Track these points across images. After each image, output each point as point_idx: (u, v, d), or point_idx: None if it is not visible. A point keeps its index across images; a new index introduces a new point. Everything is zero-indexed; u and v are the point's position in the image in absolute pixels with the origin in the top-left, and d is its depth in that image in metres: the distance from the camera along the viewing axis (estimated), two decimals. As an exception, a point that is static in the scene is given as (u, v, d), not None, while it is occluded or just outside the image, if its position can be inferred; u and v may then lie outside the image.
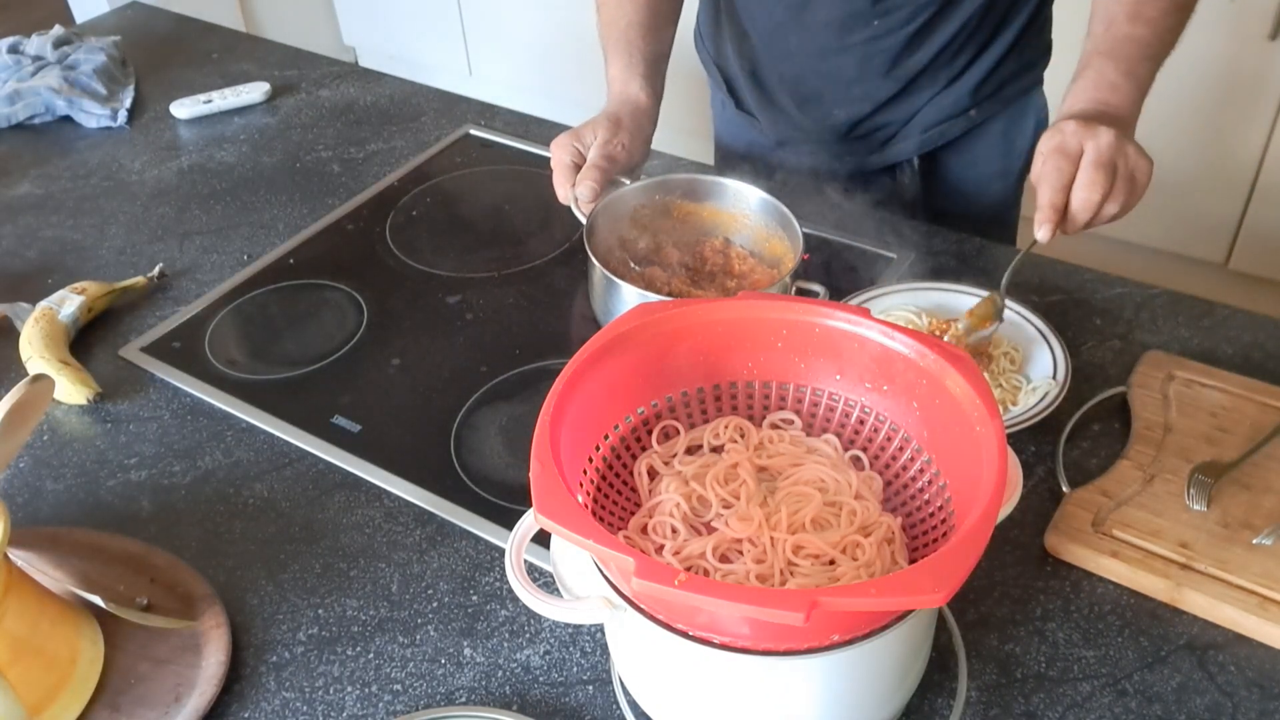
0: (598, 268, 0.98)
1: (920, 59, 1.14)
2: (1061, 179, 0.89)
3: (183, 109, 1.46)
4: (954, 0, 1.10)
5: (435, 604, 0.82)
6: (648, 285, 0.99)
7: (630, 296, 0.95)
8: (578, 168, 1.03)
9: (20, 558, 0.81)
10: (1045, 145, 0.91)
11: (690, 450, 0.76)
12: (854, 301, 1.02)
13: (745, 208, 1.07)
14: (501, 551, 0.85)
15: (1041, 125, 1.26)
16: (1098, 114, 0.93)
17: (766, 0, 1.17)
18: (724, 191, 1.07)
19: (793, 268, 0.97)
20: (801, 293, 0.99)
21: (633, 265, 1.07)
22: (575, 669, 0.77)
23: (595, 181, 1.01)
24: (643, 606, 0.62)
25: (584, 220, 1.02)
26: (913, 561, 0.69)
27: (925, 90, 1.17)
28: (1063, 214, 0.90)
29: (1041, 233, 0.90)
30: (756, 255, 1.07)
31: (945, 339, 0.94)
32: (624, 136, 1.05)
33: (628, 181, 1.06)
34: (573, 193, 1.02)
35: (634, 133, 1.07)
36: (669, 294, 1.01)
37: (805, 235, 1.00)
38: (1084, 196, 0.88)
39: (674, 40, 1.17)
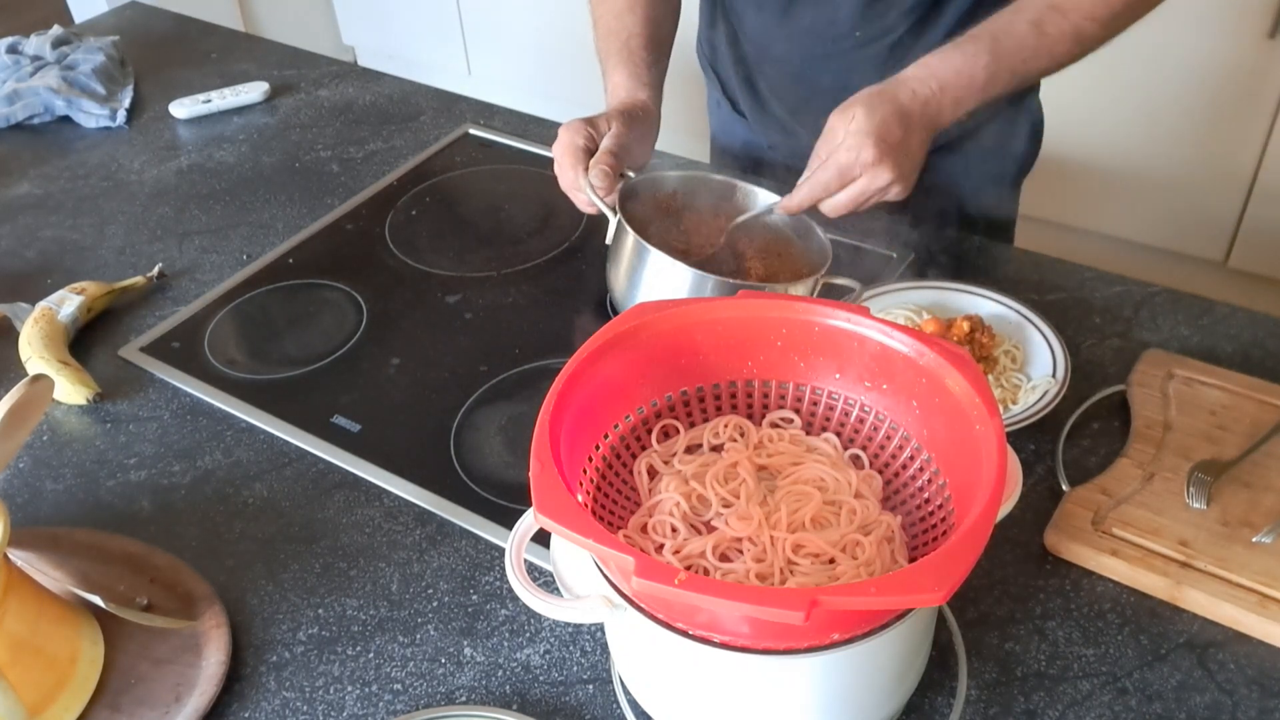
0: (630, 236, 0.94)
1: (906, 66, 1.14)
2: (826, 189, 0.94)
3: (182, 109, 1.46)
4: (937, 9, 1.09)
5: (435, 603, 0.82)
6: (681, 257, 0.97)
7: (659, 265, 0.93)
8: (589, 152, 1.00)
9: (20, 558, 0.81)
10: (843, 155, 0.93)
11: (690, 449, 0.76)
12: (854, 301, 1.02)
13: (762, 211, 1.05)
14: (501, 551, 0.85)
15: (1036, 129, 1.26)
16: (925, 104, 0.94)
17: (754, 7, 1.16)
18: (743, 192, 1.06)
19: (824, 269, 0.97)
20: (831, 289, 0.98)
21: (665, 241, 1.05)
22: (575, 668, 0.77)
23: (609, 166, 0.98)
24: (643, 605, 0.62)
25: (597, 202, 0.97)
26: (913, 560, 0.69)
27: None
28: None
29: (782, 204, 0.98)
30: (763, 255, 1.06)
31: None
32: (636, 132, 1.04)
33: (633, 175, 1.04)
34: (585, 178, 0.98)
35: (643, 131, 1.06)
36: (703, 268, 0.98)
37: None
38: (826, 205, 0.95)
39: (671, 52, 1.16)
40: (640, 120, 1.06)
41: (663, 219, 1.06)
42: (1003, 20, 0.96)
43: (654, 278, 0.95)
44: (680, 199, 1.06)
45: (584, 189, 0.98)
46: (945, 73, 0.94)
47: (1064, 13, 0.96)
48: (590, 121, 1.02)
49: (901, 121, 0.92)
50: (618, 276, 1.00)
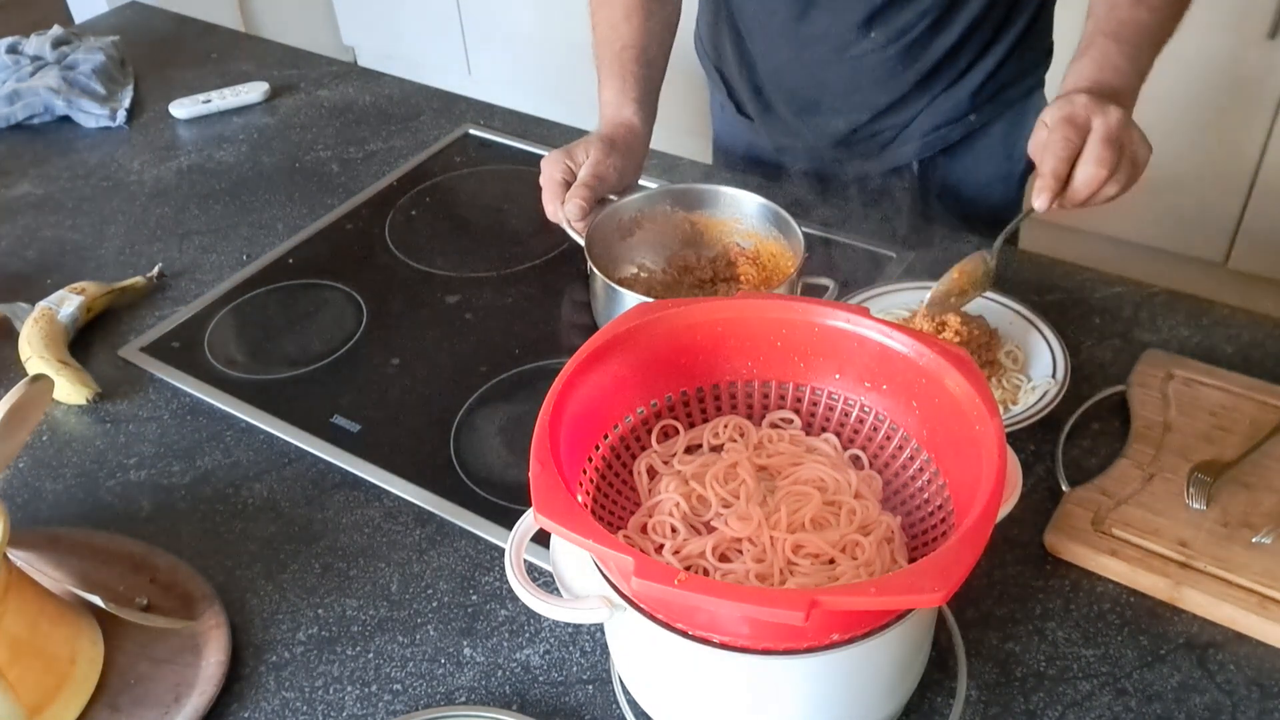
0: (599, 277, 0.98)
1: (919, 68, 1.14)
2: (1068, 149, 0.87)
3: (182, 109, 1.46)
4: (951, 10, 1.10)
5: (435, 604, 0.82)
6: (649, 293, 0.99)
7: (631, 304, 0.95)
8: (568, 185, 1.03)
9: (20, 558, 0.81)
10: (1053, 115, 0.89)
11: (690, 450, 0.76)
12: (854, 301, 1.02)
13: (741, 212, 1.06)
14: (501, 551, 0.85)
15: None
16: (1102, 93, 0.91)
17: (763, 11, 1.16)
18: (720, 198, 1.07)
19: (798, 266, 0.97)
20: (809, 288, 0.99)
21: (635, 272, 1.07)
22: (575, 668, 0.77)
23: (584, 200, 1.01)
24: (642, 606, 0.62)
25: (576, 237, 1.02)
26: (912, 561, 0.69)
27: (923, 97, 1.17)
28: (1064, 185, 0.88)
29: (1040, 201, 0.87)
30: (754, 258, 1.07)
31: (927, 305, 0.93)
32: (616, 158, 1.05)
33: (616, 199, 1.06)
34: (562, 211, 1.02)
35: (626, 155, 1.07)
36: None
37: (805, 235, 1.00)
38: (1091, 172, 0.86)
39: (668, 63, 1.17)
40: (621, 143, 1.07)
41: (633, 245, 1.08)
42: (1111, 19, 0.94)
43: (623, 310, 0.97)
44: (649, 220, 1.08)
45: (563, 223, 1.00)
46: (1090, 71, 0.93)
47: None
48: (569, 152, 1.05)
49: (1084, 92, 0.90)
50: (596, 310, 1.04)
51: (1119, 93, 0.92)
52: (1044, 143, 0.88)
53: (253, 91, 1.48)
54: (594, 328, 0.79)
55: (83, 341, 1.08)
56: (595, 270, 0.98)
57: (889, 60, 1.13)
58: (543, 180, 1.05)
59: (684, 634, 0.61)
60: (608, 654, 0.78)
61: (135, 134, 1.44)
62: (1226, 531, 0.81)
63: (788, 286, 0.97)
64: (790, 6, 1.13)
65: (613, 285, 0.97)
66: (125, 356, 1.07)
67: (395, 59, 3.12)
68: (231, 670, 0.77)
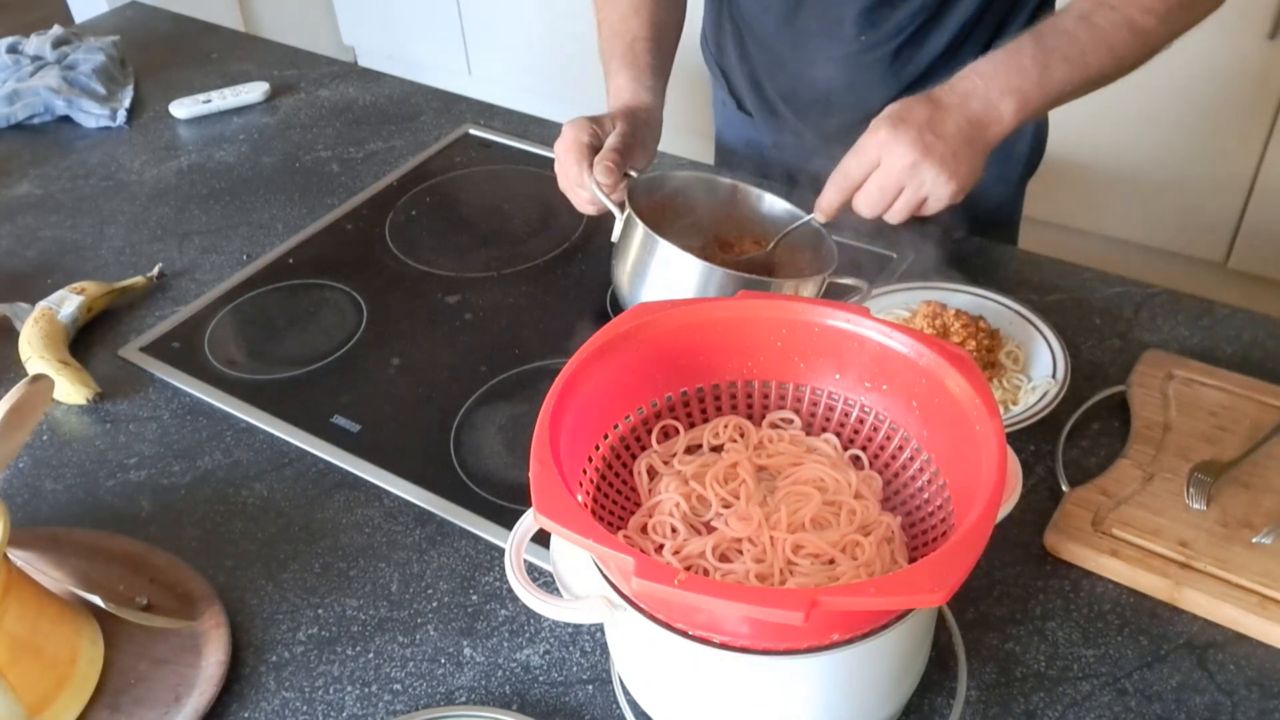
0: (640, 228, 0.94)
1: (913, 70, 1.14)
2: (846, 183, 0.92)
3: (182, 109, 1.46)
4: (941, 12, 1.09)
5: (435, 604, 0.82)
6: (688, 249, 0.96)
7: (675, 259, 0.92)
8: (594, 149, 1.00)
9: (20, 558, 0.81)
10: (863, 138, 0.91)
11: (690, 450, 0.76)
12: (854, 301, 1.02)
13: (768, 215, 1.05)
14: (501, 551, 0.85)
15: (1041, 129, 1.26)
16: (966, 96, 0.90)
17: (757, 8, 1.17)
18: (746, 197, 1.06)
19: (831, 269, 0.96)
20: (839, 288, 0.98)
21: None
22: (575, 668, 0.77)
23: (614, 163, 0.97)
24: (642, 606, 0.62)
25: (600, 196, 0.98)
26: (912, 561, 0.69)
27: None
28: (837, 210, 0.95)
29: (817, 217, 0.96)
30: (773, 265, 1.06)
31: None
32: (639, 133, 1.04)
33: (635, 174, 1.04)
34: (589, 174, 0.98)
35: (645, 133, 1.06)
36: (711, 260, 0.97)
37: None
38: (860, 207, 0.93)
39: (675, 54, 1.16)
40: (643, 122, 1.06)
41: (664, 219, 1.06)
42: (1046, 20, 0.94)
43: (662, 270, 0.95)
44: (682, 199, 1.06)
45: (589, 185, 0.98)
46: (985, 66, 0.92)
47: (1114, 7, 0.93)
48: (595, 120, 1.02)
49: (927, 104, 0.90)
50: (624, 271, 1.00)
51: (990, 98, 0.90)
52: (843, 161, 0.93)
53: (253, 91, 1.48)
54: (594, 329, 0.78)
55: (83, 341, 1.08)
56: (636, 219, 0.94)
57: (881, 60, 1.13)
58: (564, 143, 1.01)
59: (684, 634, 0.61)
60: (608, 654, 0.78)
61: (135, 134, 1.44)
62: (1226, 531, 0.81)
63: (817, 285, 0.96)
64: (781, 4, 1.12)
65: (654, 236, 0.93)
66: (125, 356, 1.07)
67: (395, 59, 3.12)
68: (231, 670, 0.77)
